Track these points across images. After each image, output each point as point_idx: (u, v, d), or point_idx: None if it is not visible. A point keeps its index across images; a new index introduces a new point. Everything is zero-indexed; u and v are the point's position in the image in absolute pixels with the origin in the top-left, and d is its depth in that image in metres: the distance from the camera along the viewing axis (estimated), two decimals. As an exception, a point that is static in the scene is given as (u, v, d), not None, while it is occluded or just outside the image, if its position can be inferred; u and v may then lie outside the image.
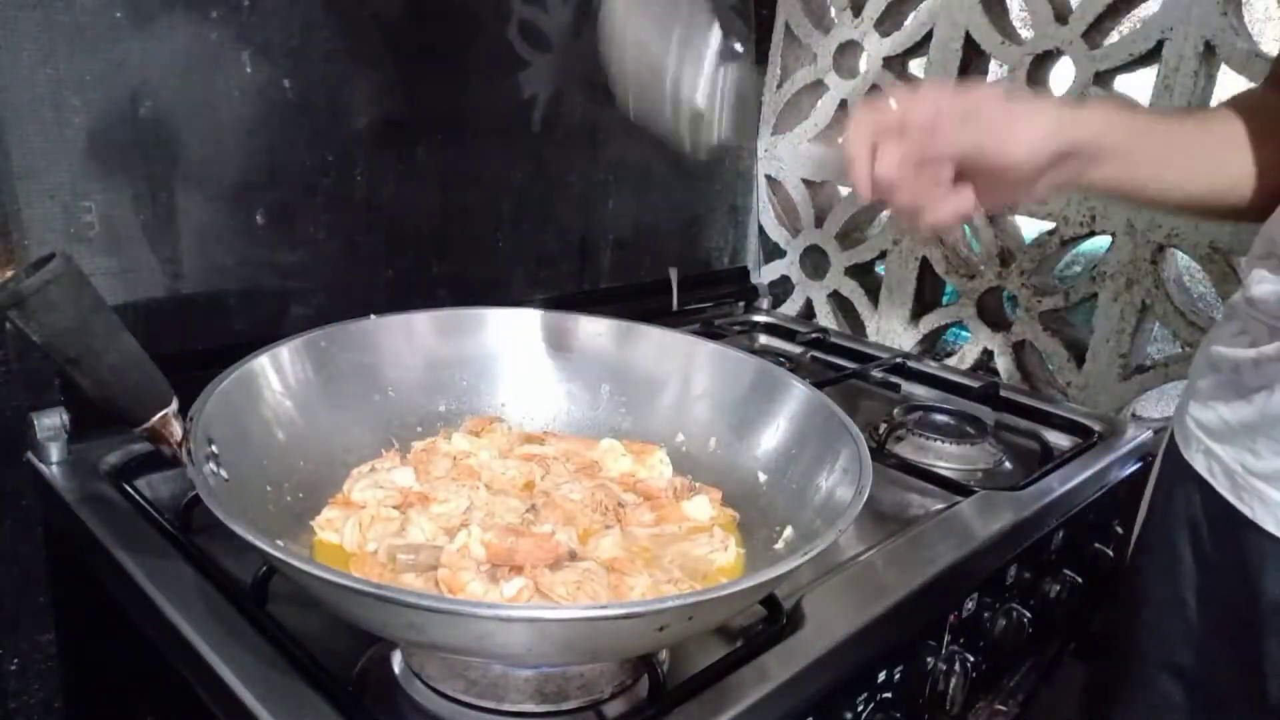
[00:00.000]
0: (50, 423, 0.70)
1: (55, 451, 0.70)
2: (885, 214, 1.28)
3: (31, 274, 0.48)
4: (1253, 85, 0.94)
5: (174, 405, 0.55)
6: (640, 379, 0.75)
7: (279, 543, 0.51)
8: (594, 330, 0.76)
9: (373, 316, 0.71)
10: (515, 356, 0.76)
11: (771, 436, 0.67)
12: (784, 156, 1.34)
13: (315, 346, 0.67)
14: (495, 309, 0.76)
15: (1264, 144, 0.62)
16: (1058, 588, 0.86)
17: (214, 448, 0.54)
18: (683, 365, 0.74)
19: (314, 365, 0.66)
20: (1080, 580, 0.88)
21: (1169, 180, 0.63)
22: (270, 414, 0.62)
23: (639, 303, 1.16)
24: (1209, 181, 0.63)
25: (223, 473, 0.54)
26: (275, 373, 0.64)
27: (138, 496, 0.67)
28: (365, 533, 0.60)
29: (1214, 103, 0.99)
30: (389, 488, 0.64)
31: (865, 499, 0.52)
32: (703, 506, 0.64)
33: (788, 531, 0.60)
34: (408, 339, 0.73)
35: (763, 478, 0.66)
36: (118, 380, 0.52)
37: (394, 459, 0.68)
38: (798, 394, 0.67)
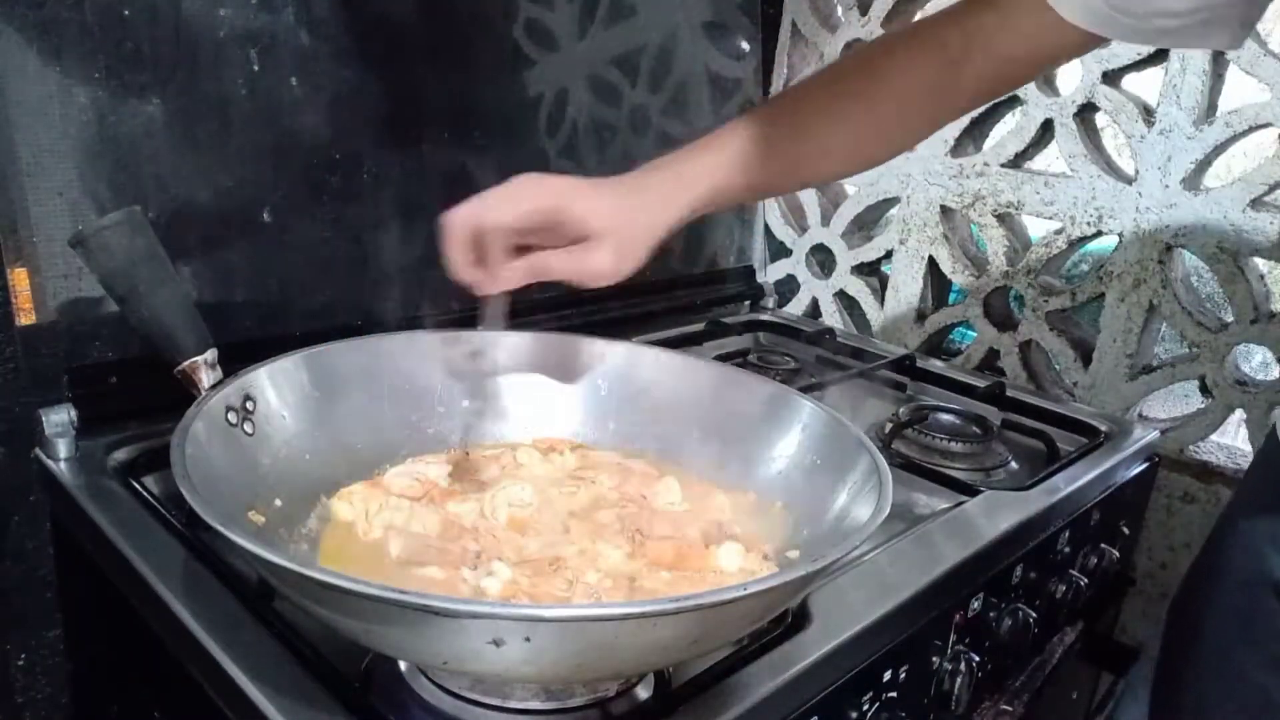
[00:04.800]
0: (58, 419, 0.70)
1: (63, 448, 0.71)
2: (893, 213, 1.28)
3: None
4: (1263, 86, 0.94)
5: (208, 355, 0.60)
6: (647, 401, 0.73)
7: (259, 519, 0.54)
8: (599, 353, 0.75)
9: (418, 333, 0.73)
10: (528, 377, 0.75)
11: (787, 460, 0.66)
12: (790, 155, 1.33)
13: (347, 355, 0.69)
14: (523, 333, 0.75)
15: (907, 80, 0.64)
16: (1064, 588, 0.86)
17: (249, 405, 0.59)
18: (694, 388, 0.73)
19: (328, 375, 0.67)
20: (1086, 581, 0.88)
21: (813, 172, 0.69)
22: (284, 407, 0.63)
23: (644, 301, 1.16)
24: (856, 151, 0.67)
25: (247, 428, 0.58)
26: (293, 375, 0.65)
27: (145, 492, 0.67)
28: (368, 507, 0.61)
29: (1221, 103, 1.00)
30: (421, 478, 0.64)
31: (884, 517, 0.51)
32: (734, 556, 0.59)
33: (796, 555, 0.60)
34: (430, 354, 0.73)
35: (779, 503, 0.65)
36: (156, 322, 0.60)
37: (448, 458, 0.68)
38: (818, 418, 0.65)
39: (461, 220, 0.58)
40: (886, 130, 0.66)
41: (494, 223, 0.58)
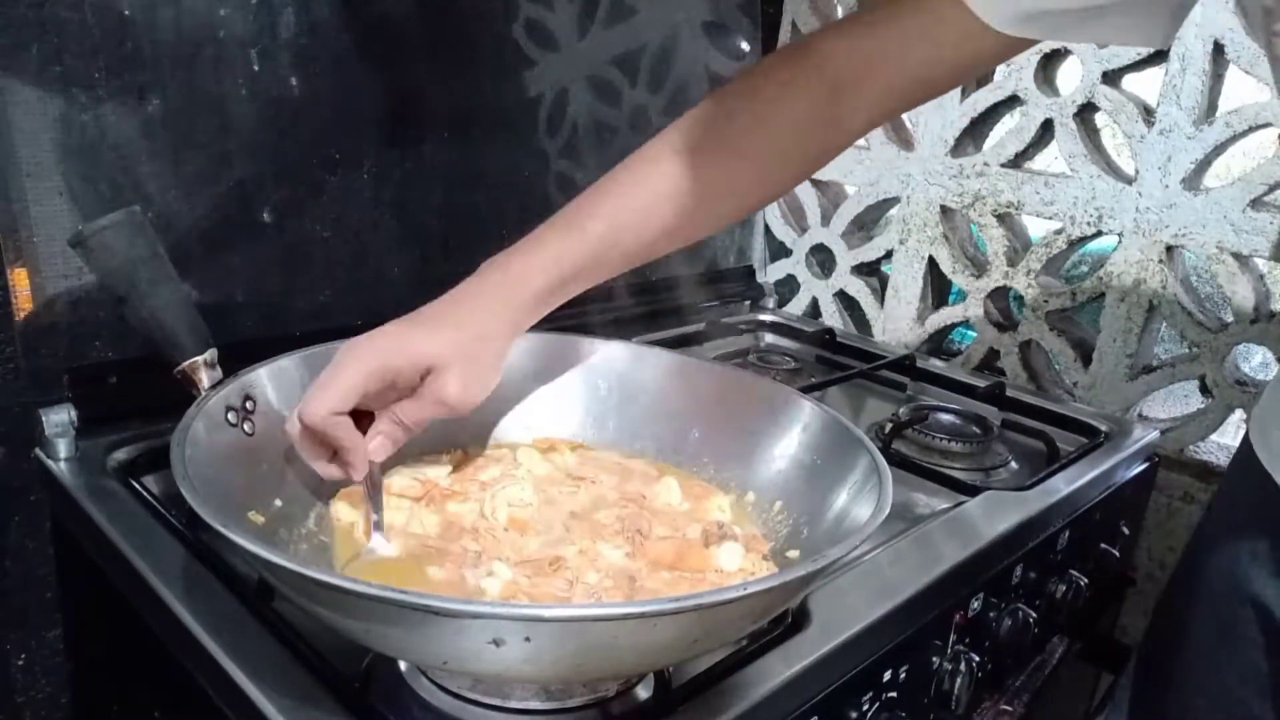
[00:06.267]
0: (58, 419, 0.70)
1: (63, 447, 0.71)
2: (893, 213, 1.28)
3: None
4: (1263, 86, 0.94)
5: (208, 355, 0.60)
6: (647, 401, 0.73)
7: (259, 519, 0.54)
8: (599, 353, 0.74)
9: None
10: (528, 377, 0.75)
11: (787, 459, 0.66)
12: (790, 155, 1.33)
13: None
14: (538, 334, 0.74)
15: (703, 167, 0.59)
16: (1064, 588, 0.86)
17: (249, 405, 0.58)
18: (694, 388, 0.72)
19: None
20: (1086, 581, 0.88)
21: (634, 255, 0.62)
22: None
23: (644, 301, 1.16)
24: (672, 231, 0.62)
25: (247, 428, 0.58)
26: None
27: (145, 492, 0.67)
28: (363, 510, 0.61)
29: (1221, 103, 1.00)
30: (421, 478, 0.65)
31: (885, 516, 0.50)
32: (734, 556, 0.59)
33: (796, 555, 0.60)
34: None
35: (779, 503, 0.65)
36: (156, 322, 0.60)
37: (448, 458, 0.68)
38: (818, 418, 0.65)
39: (294, 425, 0.55)
40: (763, 178, 0.62)
41: (322, 417, 0.54)
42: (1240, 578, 0.59)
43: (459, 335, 0.57)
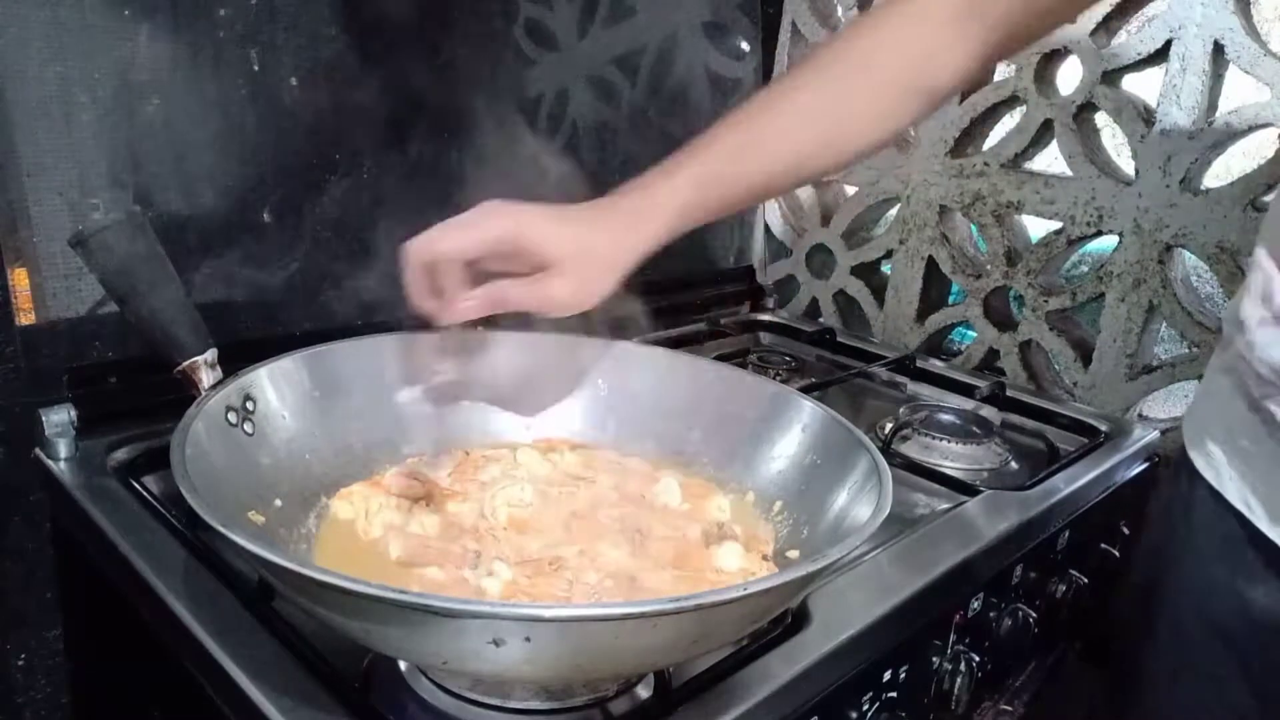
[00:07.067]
0: (58, 419, 0.70)
1: (63, 448, 0.71)
2: (892, 213, 1.28)
3: None
4: (1263, 86, 0.94)
5: (208, 355, 0.60)
6: (647, 401, 0.73)
7: (259, 519, 0.54)
8: (599, 353, 0.74)
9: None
10: (528, 377, 0.75)
11: (787, 460, 0.66)
12: (790, 155, 1.33)
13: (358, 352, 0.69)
14: (523, 333, 0.74)
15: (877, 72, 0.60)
16: (1063, 588, 0.86)
17: (249, 405, 0.59)
18: (694, 388, 0.72)
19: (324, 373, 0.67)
20: (1086, 581, 0.88)
21: (770, 177, 0.62)
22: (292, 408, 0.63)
23: (644, 301, 1.16)
24: (826, 150, 0.62)
25: (247, 428, 0.58)
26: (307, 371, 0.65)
27: (145, 492, 0.67)
28: (368, 507, 0.61)
29: (1221, 103, 0.99)
30: (421, 478, 0.65)
31: (884, 517, 0.50)
32: (734, 556, 0.59)
33: (796, 555, 0.60)
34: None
35: (779, 503, 0.65)
36: (156, 322, 0.60)
37: (448, 458, 0.68)
38: (818, 418, 0.65)
39: (417, 249, 0.57)
40: (887, 107, 0.62)
41: (448, 252, 0.57)
42: (1202, 607, 0.60)
43: (585, 238, 0.57)
